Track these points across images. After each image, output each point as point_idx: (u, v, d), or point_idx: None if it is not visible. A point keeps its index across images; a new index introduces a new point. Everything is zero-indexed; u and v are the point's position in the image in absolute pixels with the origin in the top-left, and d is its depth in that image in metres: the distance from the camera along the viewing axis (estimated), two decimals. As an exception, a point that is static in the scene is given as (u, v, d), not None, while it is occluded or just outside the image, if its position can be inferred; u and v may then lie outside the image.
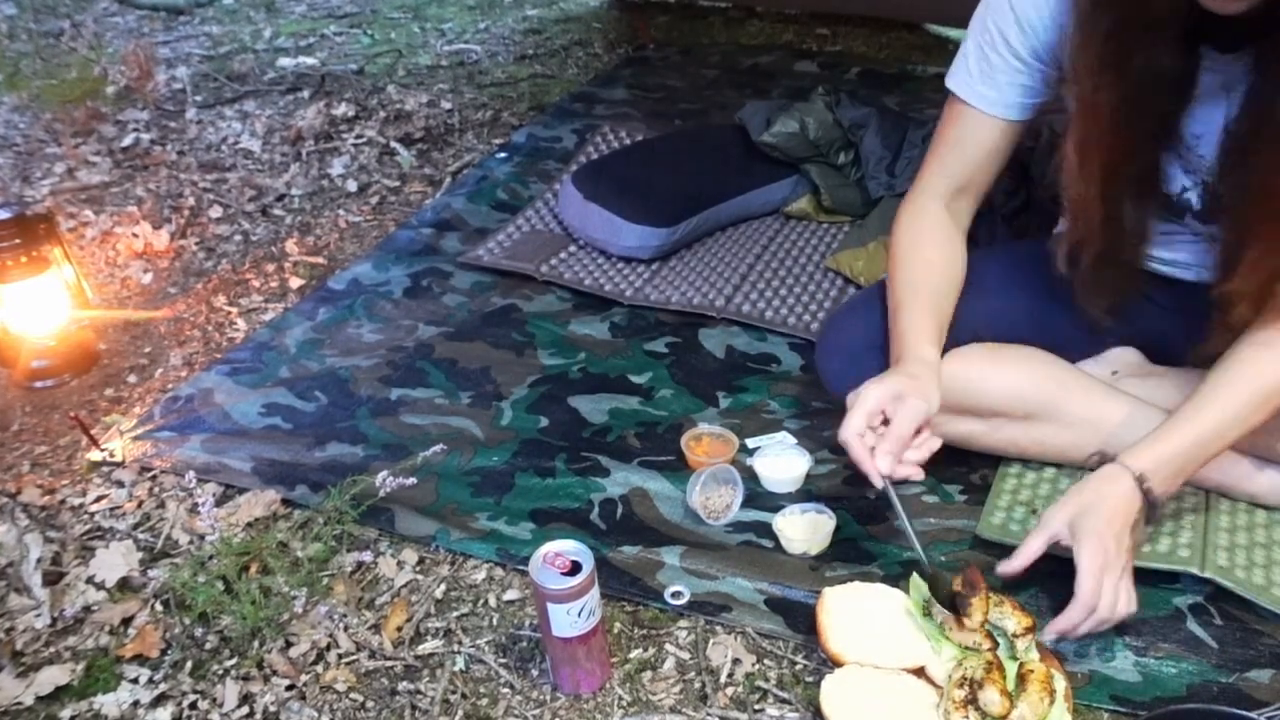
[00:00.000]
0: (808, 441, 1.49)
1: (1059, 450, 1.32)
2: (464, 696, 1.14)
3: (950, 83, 1.27)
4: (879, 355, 1.31)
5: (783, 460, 1.40)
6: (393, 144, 2.55)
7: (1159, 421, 1.28)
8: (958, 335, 1.30)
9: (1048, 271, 1.38)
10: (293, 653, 1.20)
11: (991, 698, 1.00)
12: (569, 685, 1.13)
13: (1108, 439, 1.28)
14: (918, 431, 1.13)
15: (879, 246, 1.87)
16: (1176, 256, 1.28)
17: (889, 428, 1.12)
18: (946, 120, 1.29)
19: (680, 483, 1.41)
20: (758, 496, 1.39)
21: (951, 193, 1.30)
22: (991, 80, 1.22)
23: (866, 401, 1.12)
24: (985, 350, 1.30)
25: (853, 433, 1.12)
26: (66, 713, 1.15)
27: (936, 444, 1.16)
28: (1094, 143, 1.13)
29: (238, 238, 2.18)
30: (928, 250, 1.29)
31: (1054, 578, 1.22)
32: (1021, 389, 1.28)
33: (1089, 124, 1.12)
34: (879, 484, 1.11)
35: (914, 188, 1.32)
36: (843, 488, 1.40)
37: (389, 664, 1.19)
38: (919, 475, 1.13)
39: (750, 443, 1.49)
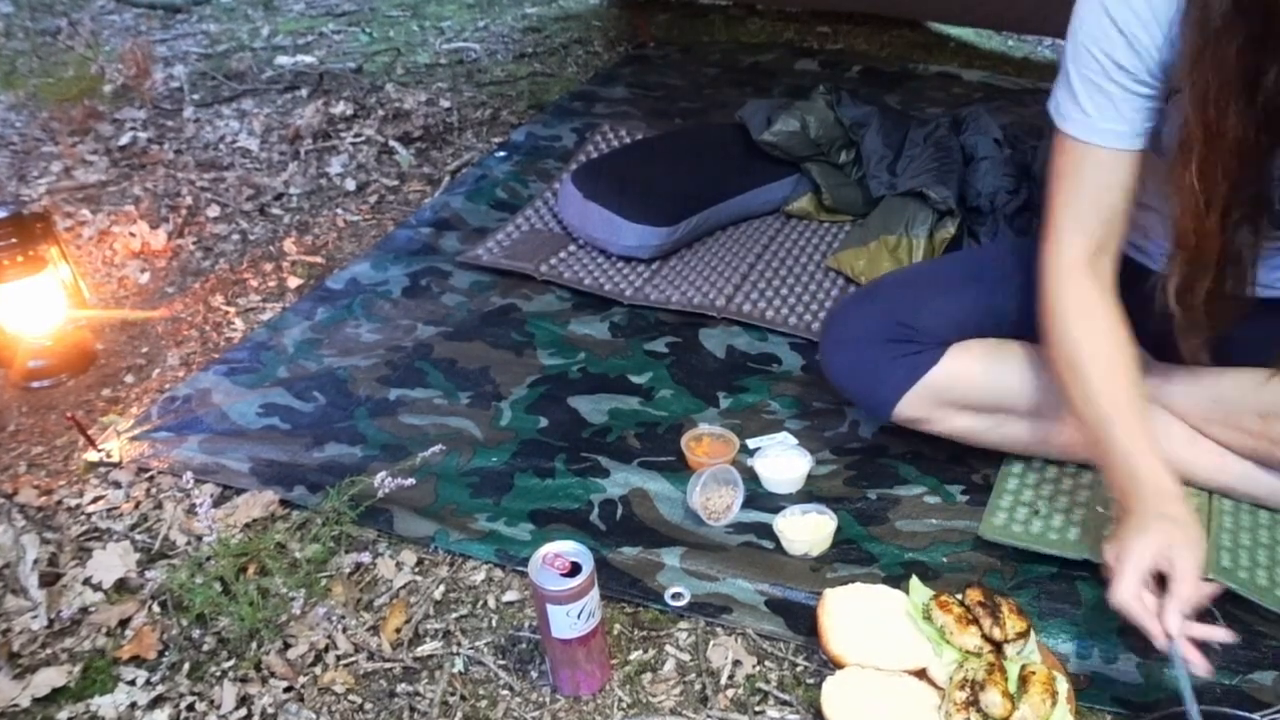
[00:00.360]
0: (809, 442, 1.49)
1: (1062, 447, 1.32)
2: (463, 698, 1.15)
3: (1065, 128, 1.13)
4: (882, 347, 1.31)
5: (783, 461, 1.40)
6: (391, 143, 2.55)
7: (1163, 418, 1.28)
8: (963, 330, 1.31)
9: None
10: (291, 654, 1.20)
11: (993, 699, 1.00)
12: (569, 687, 1.13)
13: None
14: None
15: (880, 245, 1.87)
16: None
17: (1174, 587, 1.01)
18: (1067, 172, 1.15)
19: (680, 483, 1.41)
20: (758, 497, 1.39)
21: (1092, 253, 1.16)
22: (1114, 112, 1.10)
23: (1142, 561, 1.02)
24: (989, 345, 1.30)
25: (1130, 596, 1.01)
26: (63, 715, 1.15)
27: (1213, 588, 1.06)
28: (1218, 170, 1.03)
29: (235, 237, 2.18)
30: (1103, 345, 1.15)
31: (1053, 579, 1.22)
32: (1026, 385, 1.28)
33: (1213, 150, 1.02)
34: (1163, 645, 1.01)
35: (1052, 258, 1.18)
36: (844, 488, 1.40)
37: (387, 665, 1.19)
38: (1223, 636, 1.04)
39: (751, 443, 1.49)
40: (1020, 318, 1.33)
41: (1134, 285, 1.37)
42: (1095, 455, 1.14)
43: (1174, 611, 1.00)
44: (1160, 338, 1.37)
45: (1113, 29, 1.06)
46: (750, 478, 1.40)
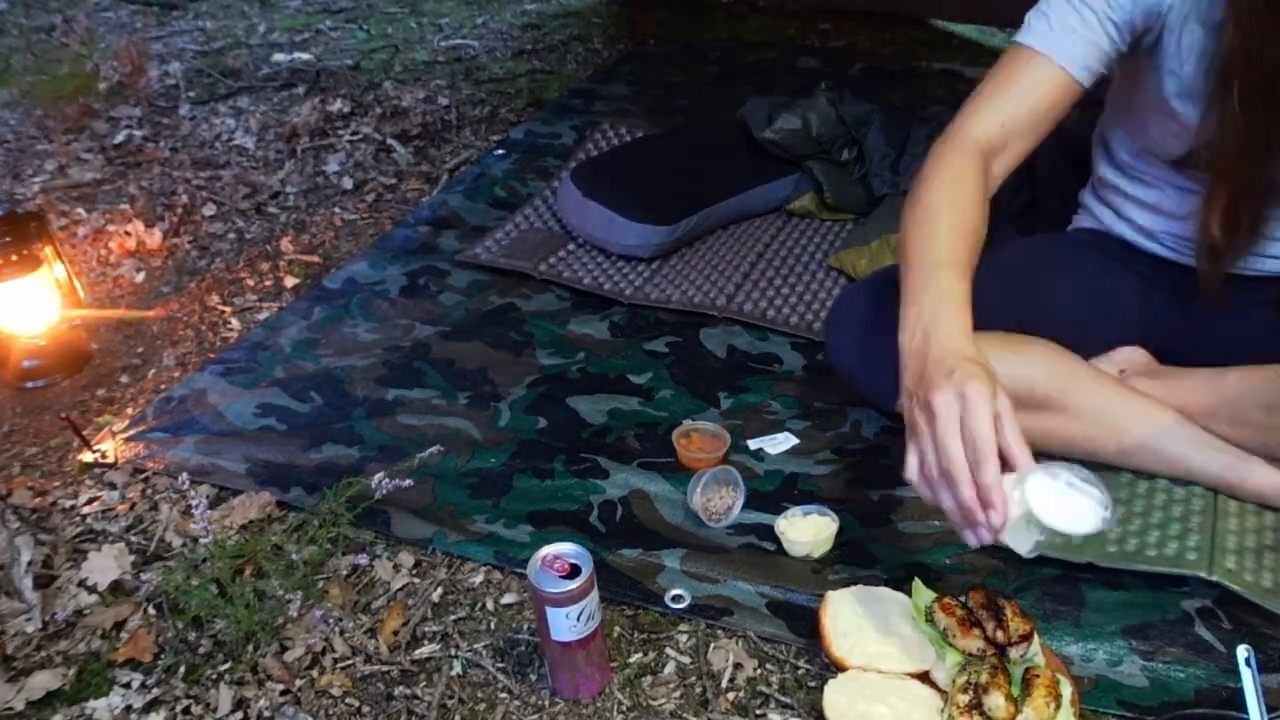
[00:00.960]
0: (810, 442, 1.49)
1: (1066, 442, 1.32)
2: (461, 701, 1.15)
3: (1023, 39, 1.21)
4: (887, 335, 1.31)
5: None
6: (389, 141, 2.55)
7: (1168, 418, 1.29)
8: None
9: (1066, 267, 1.38)
10: (287, 657, 1.20)
11: (996, 703, 1.00)
12: (568, 690, 1.13)
13: (1117, 432, 1.29)
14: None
15: (882, 244, 1.87)
16: None
17: (1003, 419, 0.95)
18: (1009, 66, 1.22)
19: (681, 485, 1.41)
20: (759, 498, 1.39)
21: (990, 145, 1.21)
22: (1073, 36, 1.18)
23: (985, 397, 0.94)
24: (998, 338, 1.30)
25: (988, 435, 0.93)
26: (58, 718, 1.15)
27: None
28: (1259, 98, 1.09)
29: (232, 236, 2.18)
30: (966, 210, 1.15)
31: (1057, 581, 1.22)
32: (1033, 378, 1.28)
33: (1253, 77, 1.08)
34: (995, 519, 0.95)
35: (954, 130, 1.22)
36: (845, 489, 1.40)
37: (385, 668, 1.19)
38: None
39: (752, 444, 1.49)
40: (1030, 316, 1.34)
41: (1145, 274, 1.38)
42: (904, 295, 1.09)
43: (1015, 437, 0.94)
44: (1167, 336, 1.38)
45: None
46: (749, 478, 1.40)
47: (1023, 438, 0.95)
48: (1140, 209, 1.37)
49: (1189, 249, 1.33)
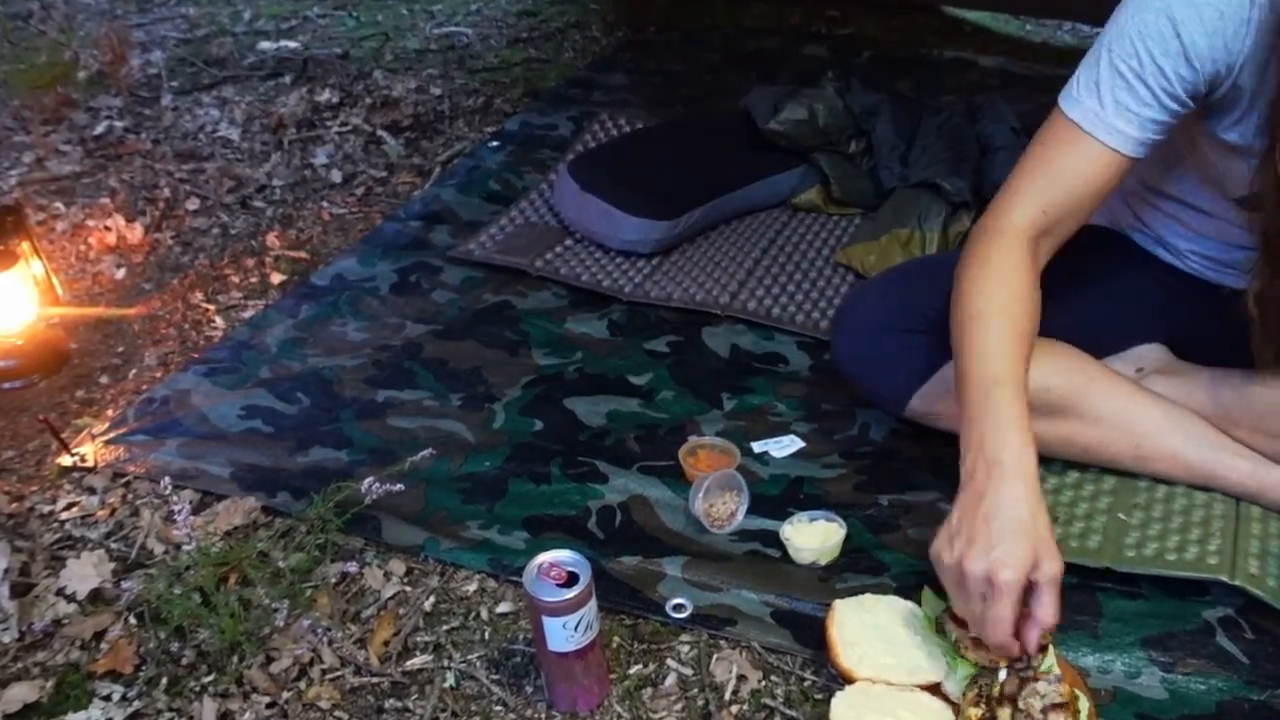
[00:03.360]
0: (817, 444, 1.49)
1: (1083, 448, 1.32)
2: (454, 715, 1.14)
3: (1071, 113, 1.13)
4: (897, 337, 1.31)
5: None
6: (379, 132, 2.55)
7: (1189, 423, 1.29)
8: None
9: (1081, 268, 1.38)
10: (274, 668, 1.20)
11: (1009, 716, 1.00)
12: (565, 703, 1.13)
13: (1135, 437, 1.29)
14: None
15: (891, 240, 1.87)
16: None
17: (1037, 611, 1.01)
18: (1052, 145, 1.16)
19: (682, 489, 1.41)
20: (763, 503, 1.39)
21: (1036, 230, 1.17)
22: (1131, 115, 1.10)
23: (1014, 590, 0.99)
24: None
25: (1006, 630, 1.00)
26: (35, 732, 1.15)
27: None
28: None
29: (216, 231, 2.18)
30: (1017, 314, 1.13)
31: (1073, 590, 1.22)
32: (1048, 382, 1.28)
33: None
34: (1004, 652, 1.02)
35: (997, 215, 1.18)
36: (853, 494, 1.40)
37: (375, 680, 1.19)
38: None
39: (756, 446, 1.49)
40: (1045, 318, 1.33)
41: (1163, 279, 1.37)
42: (964, 415, 1.10)
43: (1034, 631, 1.01)
44: (1186, 336, 1.38)
45: (1171, 33, 1.06)
46: (754, 483, 1.40)
47: (1055, 609, 1.00)
48: (1169, 227, 1.35)
49: (1215, 269, 1.33)
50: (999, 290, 1.15)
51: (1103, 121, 1.12)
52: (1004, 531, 1.00)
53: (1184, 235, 1.34)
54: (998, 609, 0.99)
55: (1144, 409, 1.29)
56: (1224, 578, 1.17)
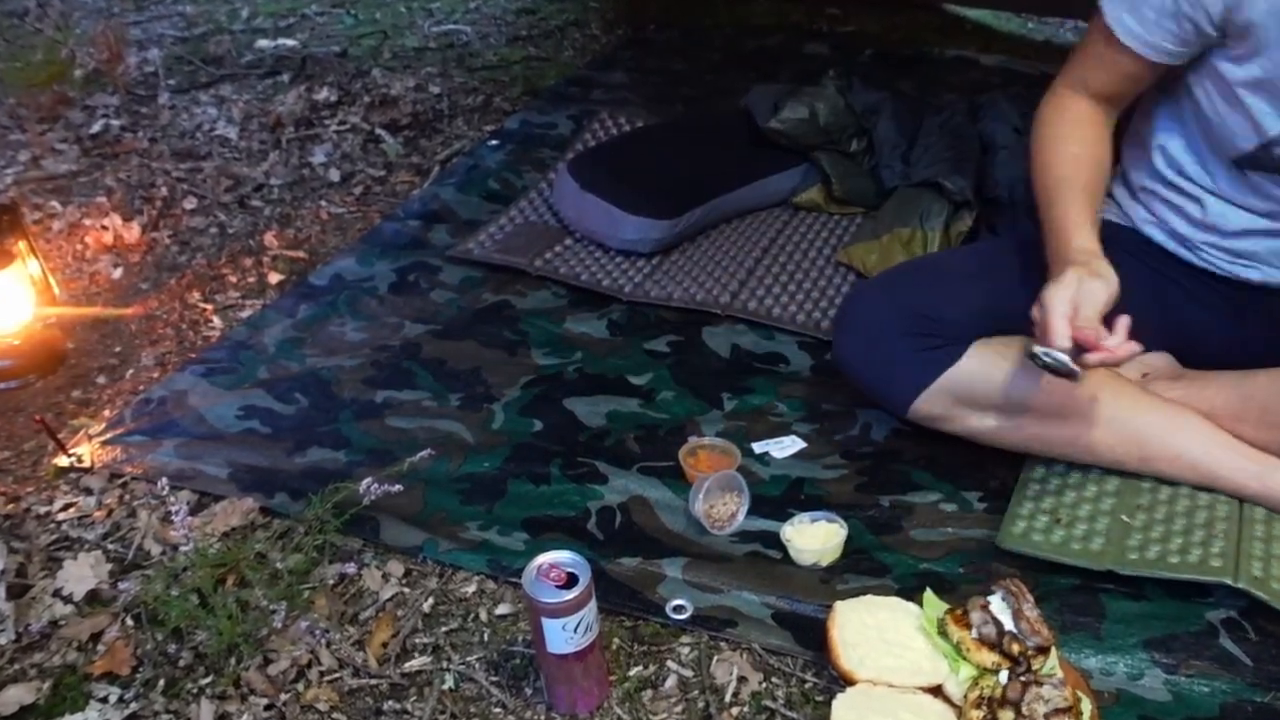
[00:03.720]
0: (818, 445, 1.49)
1: (1086, 449, 1.32)
2: (453, 717, 1.15)
3: (1103, 4, 1.26)
4: (901, 341, 1.31)
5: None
6: (378, 131, 2.55)
7: (1194, 425, 1.29)
8: (985, 325, 1.31)
9: None
10: (271, 670, 1.20)
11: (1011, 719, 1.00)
12: (565, 705, 1.13)
13: (1140, 438, 1.29)
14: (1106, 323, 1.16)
15: (893, 239, 1.87)
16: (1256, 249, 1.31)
17: (1080, 311, 1.15)
18: (1090, 34, 1.30)
19: (682, 490, 1.41)
20: (764, 504, 1.39)
21: (1093, 95, 1.32)
22: (1140, 14, 1.22)
23: (1058, 305, 1.14)
24: (1014, 343, 1.30)
25: (1062, 335, 1.13)
26: (32, 734, 1.15)
27: (1135, 348, 1.16)
28: None
29: (213, 230, 2.18)
30: (1073, 145, 1.31)
31: (1076, 592, 1.22)
32: (1053, 384, 1.28)
33: None
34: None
35: (1056, 84, 1.35)
36: (855, 494, 1.40)
37: (374, 682, 1.19)
38: (1134, 348, 1.15)
39: (757, 447, 1.49)
40: None
41: (1171, 277, 1.37)
42: (1043, 225, 1.29)
43: (1066, 325, 1.13)
44: (1192, 338, 1.38)
45: None
46: (755, 484, 1.40)
47: (1097, 321, 1.14)
48: (1183, 219, 1.36)
49: (1229, 260, 1.33)
50: (1070, 126, 1.33)
51: (1117, 16, 1.23)
52: (1058, 263, 1.21)
53: (1192, 225, 1.34)
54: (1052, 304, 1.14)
55: (1148, 410, 1.29)
56: (1227, 581, 1.17)
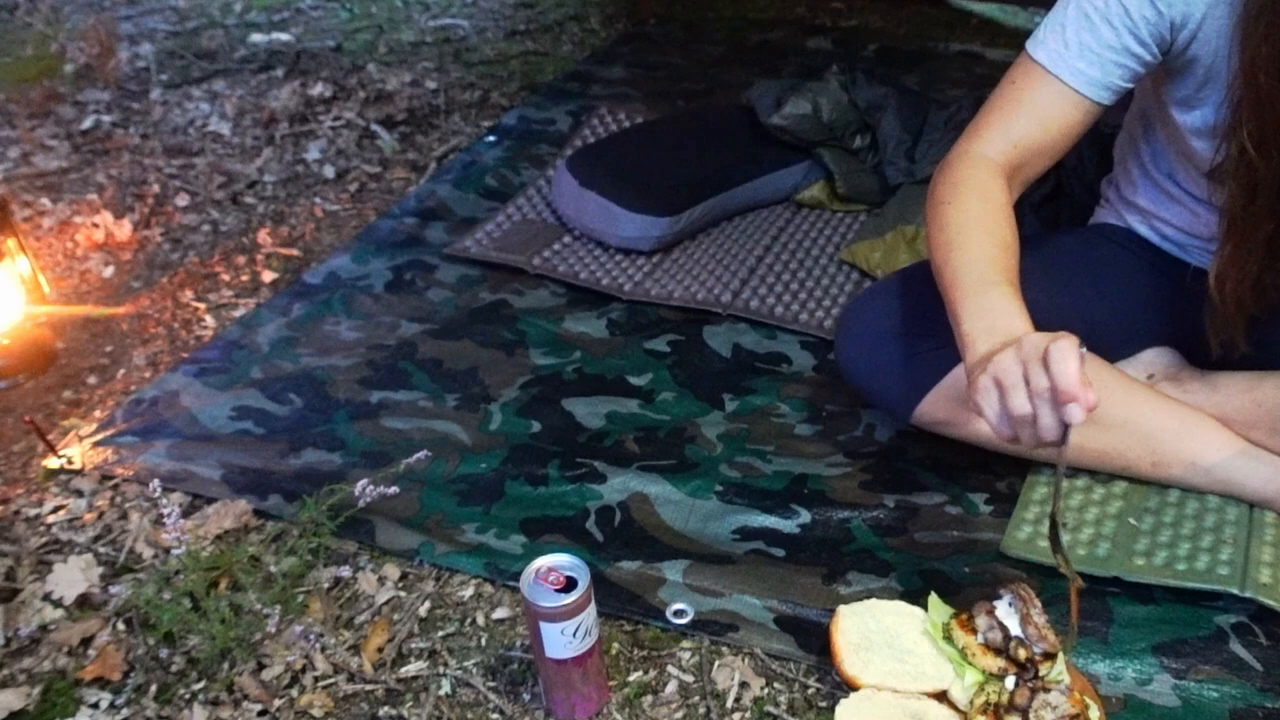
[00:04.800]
0: (821, 445, 1.49)
1: (1096, 455, 1.32)
2: (450, 722, 1.15)
3: (1036, 54, 1.19)
4: (903, 343, 1.31)
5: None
6: (373, 127, 2.55)
7: (1207, 427, 1.29)
8: None
9: (1088, 266, 1.38)
10: (265, 675, 1.20)
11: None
12: (563, 710, 1.13)
13: (1151, 443, 1.29)
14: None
15: (897, 237, 1.87)
16: None
17: (1054, 374, 0.96)
18: (1020, 84, 1.20)
19: (682, 484, 1.41)
20: (767, 498, 1.39)
21: (1009, 166, 1.21)
22: (1095, 57, 1.15)
23: (1073, 354, 0.97)
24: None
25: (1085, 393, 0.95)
26: (21, 740, 1.15)
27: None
28: (1269, 144, 1.06)
29: (206, 228, 2.18)
30: (1001, 227, 1.17)
31: (1083, 596, 1.22)
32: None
33: (1264, 122, 1.05)
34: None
35: (966, 147, 1.23)
36: (859, 493, 1.40)
37: (369, 687, 1.19)
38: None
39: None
40: (1054, 319, 1.33)
41: (1172, 275, 1.37)
42: (957, 320, 1.12)
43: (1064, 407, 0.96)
44: (1199, 338, 1.38)
45: None
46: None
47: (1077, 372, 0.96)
48: (1172, 229, 1.36)
49: None
50: (978, 207, 1.18)
51: (1066, 63, 1.16)
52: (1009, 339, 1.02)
53: (1179, 233, 1.35)
54: (1035, 377, 0.96)
55: (1159, 413, 1.28)
56: (1234, 589, 1.17)
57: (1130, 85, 1.19)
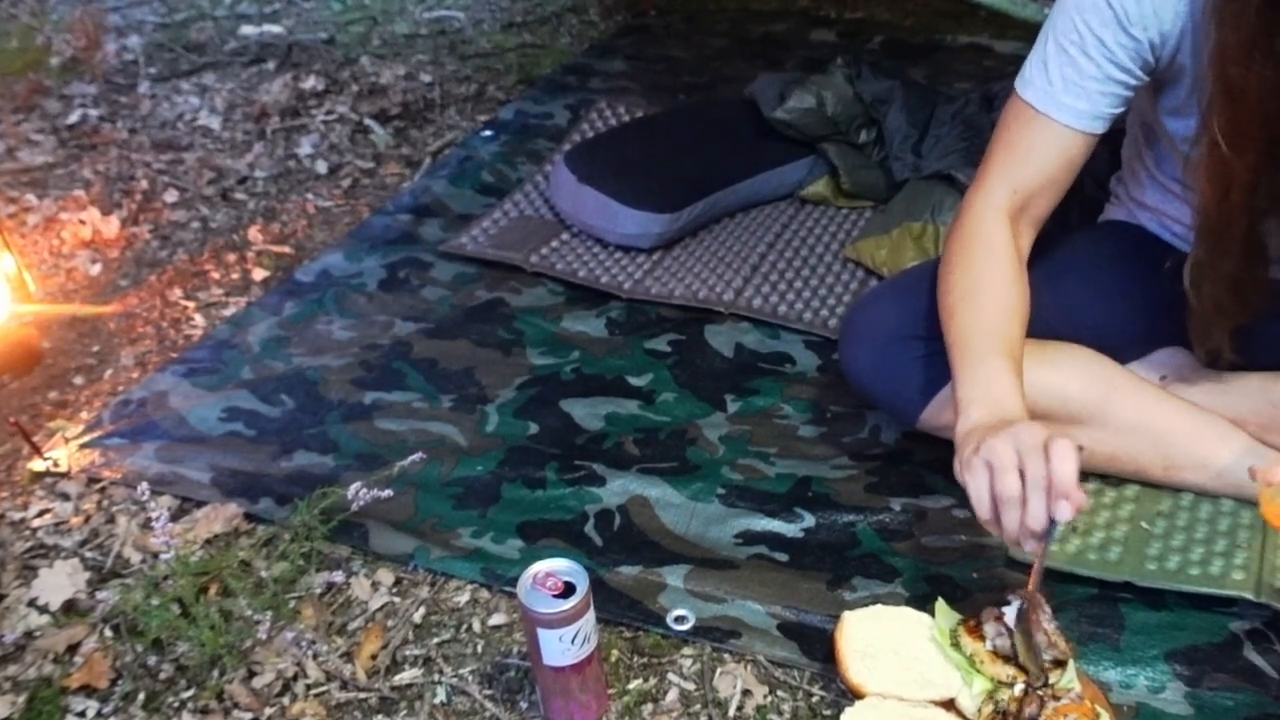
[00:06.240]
0: (825, 448, 1.49)
1: (1108, 459, 1.32)
2: (445, 731, 1.15)
3: (1025, 93, 1.21)
4: (908, 346, 1.31)
5: None
6: (367, 121, 2.55)
7: (1219, 426, 1.28)
8: None
9: (1098, 265, 1.38)
10: (256, 683, 1.20)
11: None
12: (561, 719, 1.13)
13: (1164, 445, 1.28)
14: None
15: (903, 234, 1.87)
16: None
17: (1054, 470, 0.99)
18: (1014, 127, 1.23)
19: (683, 487, 1.41)
20: (770, 501, 1.39)
21: (1015, 210, 1.23)
22: (1080, 90, 1.17)
23: (1070, 452, 1.00)
24: (1029, 346, 1.30)
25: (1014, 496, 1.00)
26: (6, 749, 1.15)
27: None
28: (1242, 139, 1.06)
29: (195, 225, 2.18)
30: (1008, 292, 1.20)
31: (1094, 602, 1.22)
32: (1068, 389, 1.28)
33: (1236, 117, 1.06)
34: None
35: (971, 201, 1.25)
36: (864, 495, 1.40)
37: (362, 696, 1.19)
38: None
39: None
40: (1064, 319, 1.33)
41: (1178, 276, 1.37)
42: (958, 381, 1.15)
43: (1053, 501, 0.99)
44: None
45: (1103, 3, 1.12)
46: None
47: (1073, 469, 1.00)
48: (1183, 226, 1.36)
49: None
50: (985, 268, 1.21)
51: (1054, 100, 1.18)
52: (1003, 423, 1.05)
53: (1187, 226, 1.35)
54: (1032, 467, 0.99)
55: (1171, 415, 1.28)
56: (1249, 595, 1.17)
57: (1122, 109, 1.20)
